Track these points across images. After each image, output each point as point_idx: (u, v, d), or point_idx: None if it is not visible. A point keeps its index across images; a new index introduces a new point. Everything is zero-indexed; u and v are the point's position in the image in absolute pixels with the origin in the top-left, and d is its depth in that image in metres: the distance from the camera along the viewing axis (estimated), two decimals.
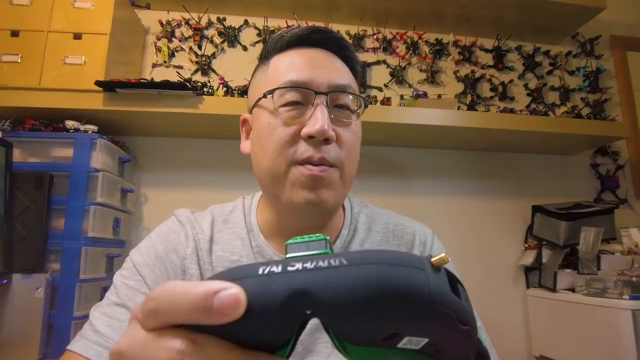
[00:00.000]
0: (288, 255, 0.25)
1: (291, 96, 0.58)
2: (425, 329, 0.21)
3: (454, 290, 0.22)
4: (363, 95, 0.64)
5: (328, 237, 0.26)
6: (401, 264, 0.22)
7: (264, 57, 0.65)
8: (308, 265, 0.23)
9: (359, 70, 0.67)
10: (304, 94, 0.58)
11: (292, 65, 0.59)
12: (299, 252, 0.25)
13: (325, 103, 0.57)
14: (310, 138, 0.55)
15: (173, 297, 0.22)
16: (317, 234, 0.27)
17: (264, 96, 0.59)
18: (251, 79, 0.68)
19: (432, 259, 0.23)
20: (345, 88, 0.59)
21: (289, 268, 0.23)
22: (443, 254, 0.23)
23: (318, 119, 0.55)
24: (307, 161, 0.56)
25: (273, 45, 0.64)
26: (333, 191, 0.57)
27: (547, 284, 1.46)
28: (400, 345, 0.22)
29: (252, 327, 0.22)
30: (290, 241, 0.26)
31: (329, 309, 0.21)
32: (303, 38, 0.62)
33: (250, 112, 0.66)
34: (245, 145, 0.66)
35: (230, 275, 0.24)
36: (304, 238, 0.26)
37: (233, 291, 0.21)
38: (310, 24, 1.62)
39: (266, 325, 0.22)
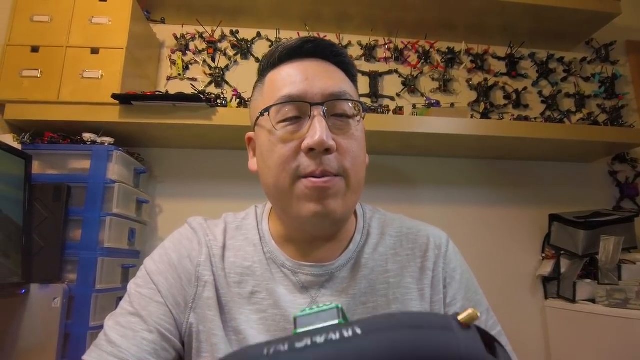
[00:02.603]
0: (297, 330, 0.23)
1: (288, 111, 0.57)
2: None
3: (490, 348, 0.20)
4: (361, 100, 0.63)
5: (340, 305, 0.24)
6: (424, 327, 0.20)
7: (260, 75, 0.65)
8: (318, 339, 0.20)
9: (355, 74, 0.66)
10: (300, 107, 0.57)
11: (286, 80, 0.59)
12: (308, 325, 0.23)
13: (322, 113, 0.56)
14: (311, 150, 0.55)
15: None
16: (328, 303, 0.24)
17: (262, 114, 0.59)
18: (251, 96, 0.68)
19: (460, 317, 0.20)
20: (341, 95, 0.58)
21: (297, 345, 0.20)
22: (471, 310, 0.20)
23: (316, 131, 0.54)
24: (310, 175, 0.55)
25: (267, 62, 0.64)
26: (340, 200, 0.57)
27: (566, 294, 1.43)
28: None
29: None
30: (299, 314, 0.24)
31: None
32: (294, 50, 0.61)
33: (254, 130, 0.66)
34: (253, 163, 0.66)
35: None
36: (313, 309, 0.24)
37: None
38: (322, 35, 1.63)
39: None
